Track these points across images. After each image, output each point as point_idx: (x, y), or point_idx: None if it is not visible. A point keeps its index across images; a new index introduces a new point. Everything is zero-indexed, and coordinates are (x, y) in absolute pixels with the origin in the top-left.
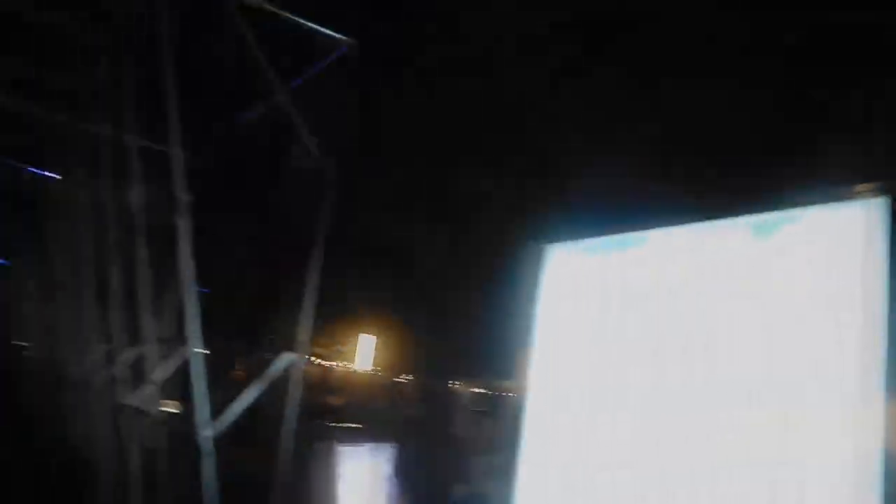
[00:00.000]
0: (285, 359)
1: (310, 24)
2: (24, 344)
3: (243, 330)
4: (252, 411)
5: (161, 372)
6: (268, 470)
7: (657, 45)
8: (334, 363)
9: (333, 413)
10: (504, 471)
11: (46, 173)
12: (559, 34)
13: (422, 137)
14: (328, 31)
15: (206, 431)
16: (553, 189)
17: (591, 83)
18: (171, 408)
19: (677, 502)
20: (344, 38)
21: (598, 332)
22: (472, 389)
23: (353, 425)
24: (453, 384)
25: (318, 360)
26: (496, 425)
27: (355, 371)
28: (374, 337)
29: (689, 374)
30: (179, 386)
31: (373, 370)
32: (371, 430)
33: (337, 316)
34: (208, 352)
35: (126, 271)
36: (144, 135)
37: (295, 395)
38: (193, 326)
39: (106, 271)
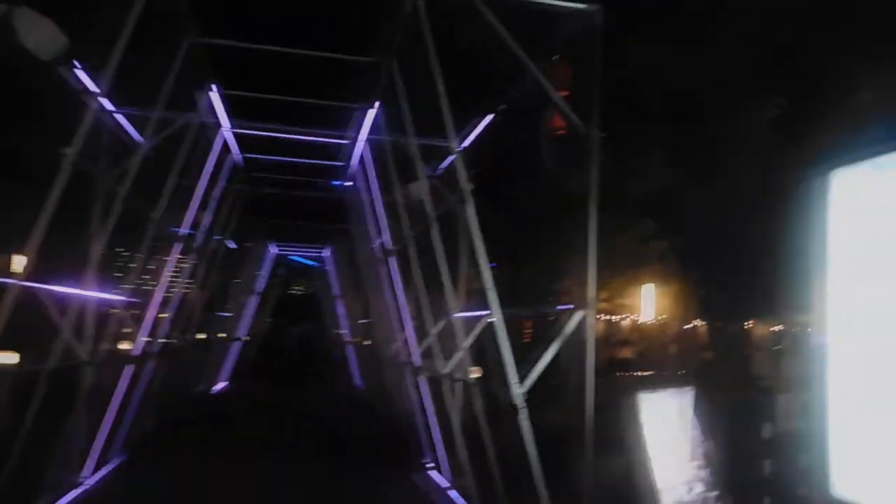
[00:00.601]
0: (577, 316)
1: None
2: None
3: (536, 293)
4: (552, 368)
5: (467, 341)
6: (573, 423)
7: None
8: (622, 316)
9: (629, 364)
10: (813, 409)
11: None
12: None
13: (681, 84)
14: (572, 5)
15: (517, 390)
16: (834, 109)
17: None
18: (475, 373)
19: None
20: (588, 6)
21: None
22: (769, 328)
23: (651, 373)
24: (748, 324)
25: (608, 316)
26: (797, 362)
27: (644, 322)
28: (654, 286)
29: None
30: (477, 352)
31: (660, 319)
32: (670, 376)
33: (618, 270)
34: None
35: (423, 255)
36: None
37: (590, 348)
38: (492, 296)
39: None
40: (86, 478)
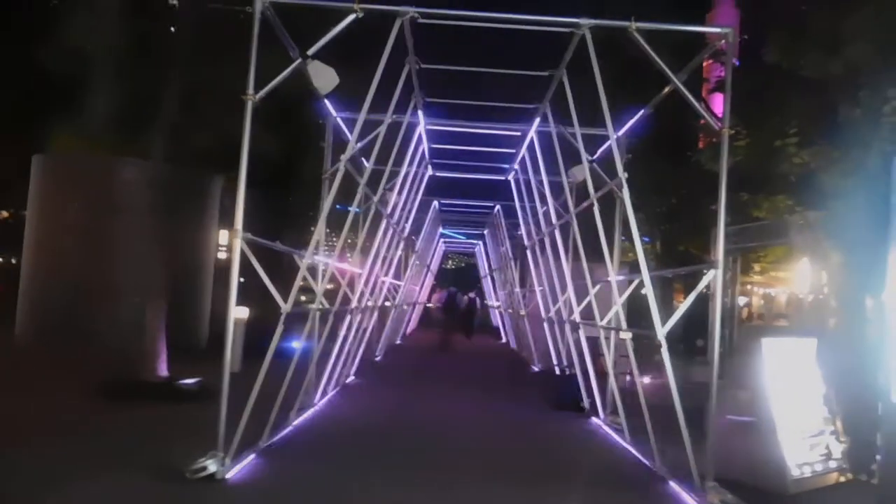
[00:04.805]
0: (709, 274)
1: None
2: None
3: (675, 258)
4: (689, 318)
5: (621, 298)
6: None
7: None
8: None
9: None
10: None
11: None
12: None
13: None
14: (710, 28)
15: (661, 335)
16: None
17: None
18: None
19: None
20: (723, 29)
21: None
22: None
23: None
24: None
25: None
26: None
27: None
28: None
29: None
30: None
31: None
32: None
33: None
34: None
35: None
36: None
37: (717, 301)
38: (642, 264)
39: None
40: (315, 402)
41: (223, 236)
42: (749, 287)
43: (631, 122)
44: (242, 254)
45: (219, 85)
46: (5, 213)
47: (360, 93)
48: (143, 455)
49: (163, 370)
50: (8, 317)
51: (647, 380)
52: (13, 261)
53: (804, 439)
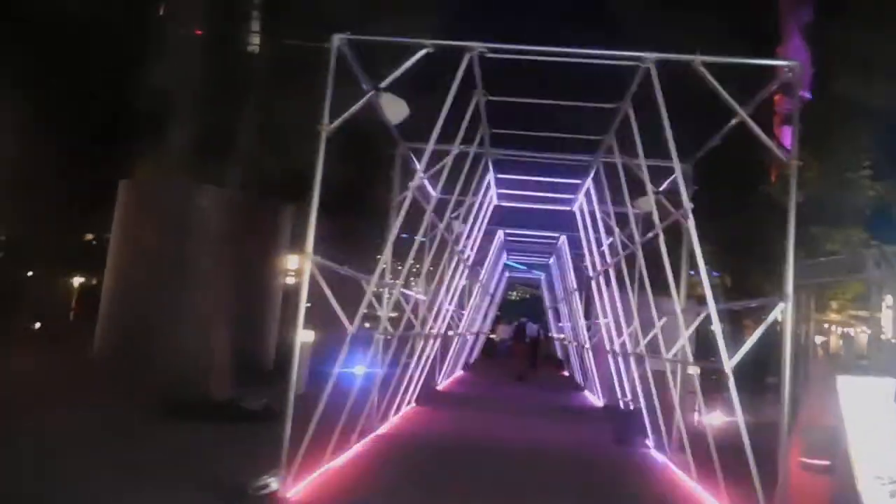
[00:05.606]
0: (778, 308)
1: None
2: None
3: (745, 293)
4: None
5: (688, 331)
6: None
7: None
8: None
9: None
10: None
11: None
12: None
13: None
14: (775, 62)
15: (728, 367)
16: None
17: None
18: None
19: None
20: (788, 62)
21: None
22: None
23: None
24: None
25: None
26: None
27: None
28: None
29: None
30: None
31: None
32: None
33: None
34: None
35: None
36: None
37: (786, 336)
38: (709, 297)
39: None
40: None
41: (292, 261)
42: (826, 326)
43: (699, 153)
44: (312, 278)
45: (293, 117)
46: (89, 236)
47: (431, 124)
48: (206, 472)
49: (228, 390)
50: (88, 336)
51: (715, 418)
52: (94, 281)
53: (884, 486)
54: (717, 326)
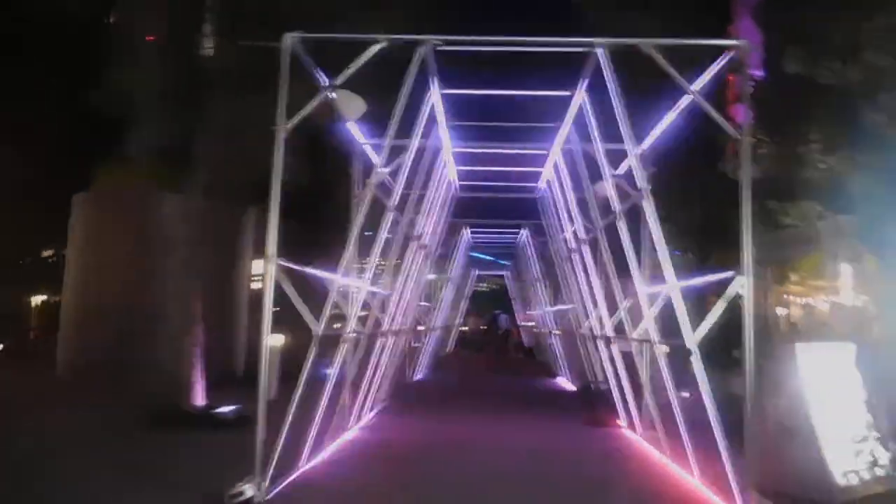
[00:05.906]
0: (737, 281)
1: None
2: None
3: (711, 270)
4: (725, 330)
5: (652, 310)
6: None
7: None
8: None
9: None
10: None
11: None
12: None
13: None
14: (723, 42)
15: (691, 343)
16: None
17: None
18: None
19: None
20: (737, 41)
21: None
22: None
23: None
24: None
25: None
26: None
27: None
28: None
29: None
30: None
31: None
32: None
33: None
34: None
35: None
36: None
37: (748, 309)
38: (669, 274)
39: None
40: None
41: (257, 266)
42: (788, 297)
43: (651, 135)
44: (277, 283)
45: (250, 118)
46: (48, 252)
47: (388, 119)
48: (181, 480)
49: (201, 399)
50: (48, 355)
51: (685, 394)
52: (56, 299)
53: (847, 445)
54: (678, 304)
